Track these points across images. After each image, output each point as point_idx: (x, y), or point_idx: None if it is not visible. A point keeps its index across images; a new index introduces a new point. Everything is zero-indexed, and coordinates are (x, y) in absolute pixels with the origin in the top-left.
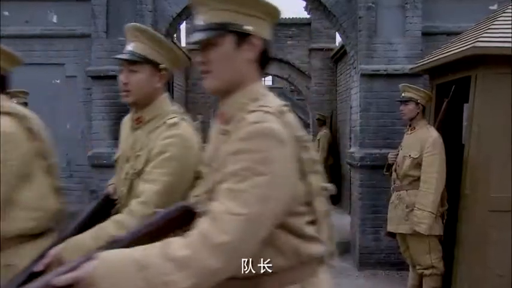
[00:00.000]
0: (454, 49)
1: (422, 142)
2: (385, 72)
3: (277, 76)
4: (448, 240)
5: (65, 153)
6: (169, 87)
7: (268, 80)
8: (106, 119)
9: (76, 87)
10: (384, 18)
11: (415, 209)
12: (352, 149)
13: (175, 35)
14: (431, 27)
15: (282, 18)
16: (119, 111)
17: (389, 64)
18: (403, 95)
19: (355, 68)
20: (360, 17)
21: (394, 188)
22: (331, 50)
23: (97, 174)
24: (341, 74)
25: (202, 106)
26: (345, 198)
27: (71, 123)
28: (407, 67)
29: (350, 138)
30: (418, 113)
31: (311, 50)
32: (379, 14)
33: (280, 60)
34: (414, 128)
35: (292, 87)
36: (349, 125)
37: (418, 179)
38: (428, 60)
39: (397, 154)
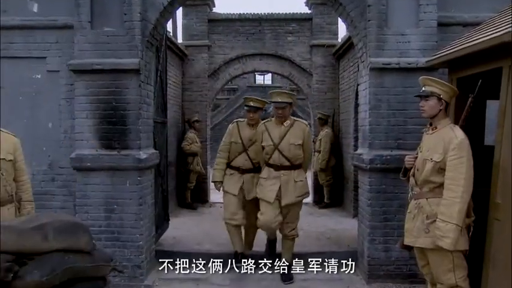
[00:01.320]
0: (480, 38)
1: (446, 144)
2: (397, 66)
3: (277, 74)
4: (475, 256)
5: (47, 154)
6: (162, 85)
7: (267, 79)
8: (90, 118)
9: (58, 82)
10: (395, 6)
11: (438, 220)
12: (360, 151)
13: (171, 31)
14: (447, 17)
15: (282, 13)
16: (105, 108)
17: (401, 57)
18: (423, 89)
19: (363, 61)
20: (369, 5)
21: (412, 196)
22: (334, 46)
23: (81, 178)
24: (344, 71)
25: (199, 104)
26: (348, 201)
27: (53, 122)
28: (421, 60)
29: (355, 138)
30: (440, 110)
31: (312, 46)
32: (390, 2)
33: (280, 57)
34: (436, 127)
35: (293, 86)
36: (353, 125)
37: (441, 185)
38: (449, 51)
39: (416, 157)
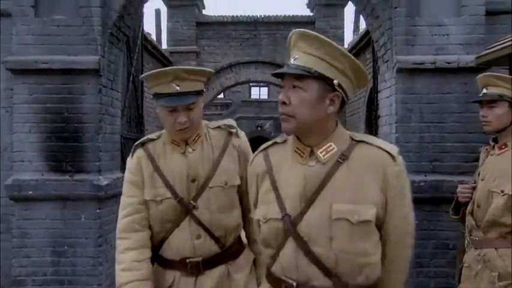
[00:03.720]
0: None
1: None
2: (432, 66)
3: (275, 85)
4: None
5: None
6: (137, 93)
7: (263, 94)
8: (34, 132)
9: None
10: None
11: None
12: None
13: (154, 36)
14: (496, 3)
15: (280, 15)
16: (54, 120)
17: (438, 54)
18: (484, 91)
19: (386, 61)
20: None
21: (471, 243)
22: None
23: (19, 211)
24: None
25: None
26: None
27: None
28: (463, 58)
29: None
30: None
31: None
32: None
33: (278, 66)
34: (505, 145)
35: None
36: None
37: None
38: None
39: (474, 187)
